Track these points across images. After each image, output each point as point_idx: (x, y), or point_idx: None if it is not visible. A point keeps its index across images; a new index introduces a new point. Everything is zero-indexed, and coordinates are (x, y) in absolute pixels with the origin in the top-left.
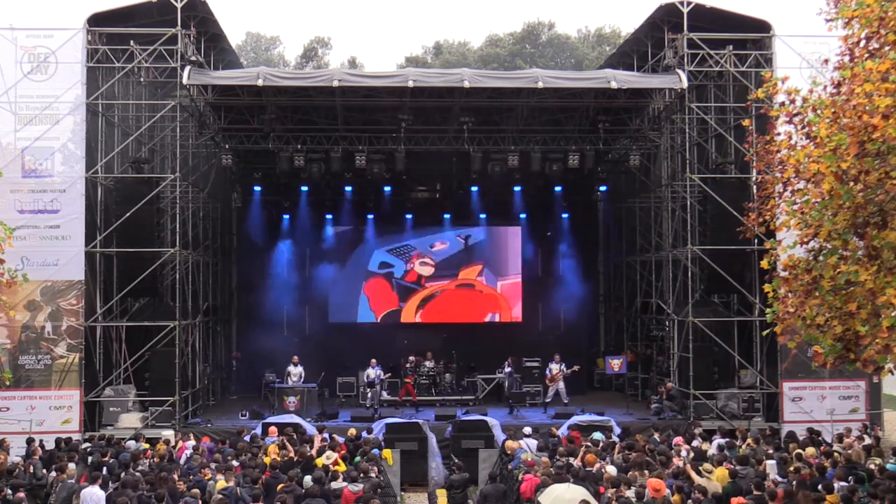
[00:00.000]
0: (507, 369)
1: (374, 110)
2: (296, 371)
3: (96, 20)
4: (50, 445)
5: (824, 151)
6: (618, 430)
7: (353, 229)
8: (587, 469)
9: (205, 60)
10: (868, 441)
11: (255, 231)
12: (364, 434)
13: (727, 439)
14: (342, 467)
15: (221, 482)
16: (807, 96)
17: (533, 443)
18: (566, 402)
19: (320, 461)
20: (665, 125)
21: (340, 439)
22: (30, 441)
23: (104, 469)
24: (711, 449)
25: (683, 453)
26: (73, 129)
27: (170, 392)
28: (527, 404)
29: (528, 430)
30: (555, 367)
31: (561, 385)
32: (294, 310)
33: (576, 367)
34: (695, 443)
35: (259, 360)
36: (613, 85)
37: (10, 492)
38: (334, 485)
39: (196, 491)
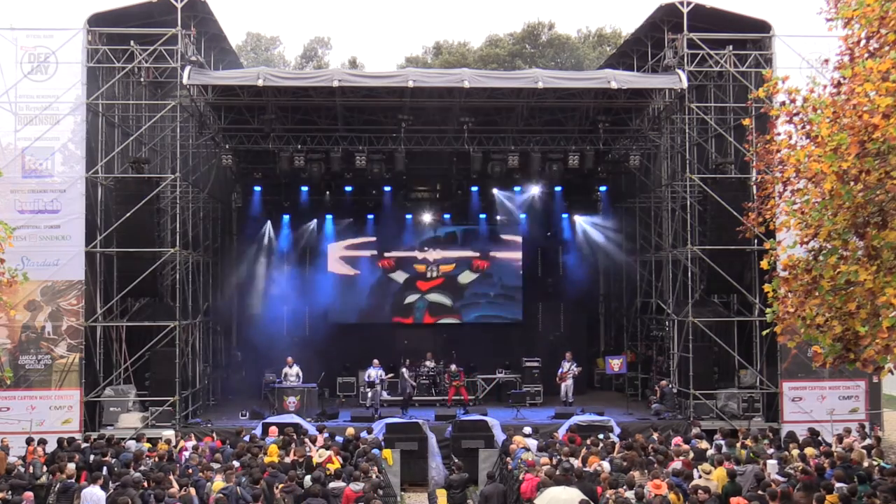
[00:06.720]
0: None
1: (374, 110)
2: (292, 372)
3: (96, 20)
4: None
5: (825, 151)
6: (618, 430)
7: (353, 229)
8: (586, 469)
9: (205, 60)
10: (868, 441)
11: (255, 231)
12: (364, 434)
13: (726, 439)
14: (336, 464)
15: (219, 483)
16: (807, 96)
17: (533, 443)
18: (568, 401)
19: (315, 459)
20: (665, 125)
21: (339, 439)
22: (29, 441)
23: (104, 469)
24: (711, 449)
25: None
26: (73, 129)
27: (170, 392)
28: (527, 404)
29: (528, 429)
30: (566, 366)
31: (569, 384)
32: (294, 310)
33: (579, 368)
34: (693, 442)
35: (259, 360)
36: (613, 85)
37: (10, 492)
38: (334, 485)
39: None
